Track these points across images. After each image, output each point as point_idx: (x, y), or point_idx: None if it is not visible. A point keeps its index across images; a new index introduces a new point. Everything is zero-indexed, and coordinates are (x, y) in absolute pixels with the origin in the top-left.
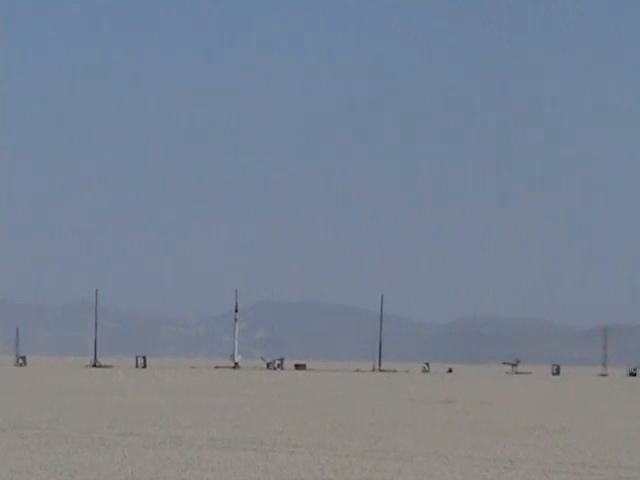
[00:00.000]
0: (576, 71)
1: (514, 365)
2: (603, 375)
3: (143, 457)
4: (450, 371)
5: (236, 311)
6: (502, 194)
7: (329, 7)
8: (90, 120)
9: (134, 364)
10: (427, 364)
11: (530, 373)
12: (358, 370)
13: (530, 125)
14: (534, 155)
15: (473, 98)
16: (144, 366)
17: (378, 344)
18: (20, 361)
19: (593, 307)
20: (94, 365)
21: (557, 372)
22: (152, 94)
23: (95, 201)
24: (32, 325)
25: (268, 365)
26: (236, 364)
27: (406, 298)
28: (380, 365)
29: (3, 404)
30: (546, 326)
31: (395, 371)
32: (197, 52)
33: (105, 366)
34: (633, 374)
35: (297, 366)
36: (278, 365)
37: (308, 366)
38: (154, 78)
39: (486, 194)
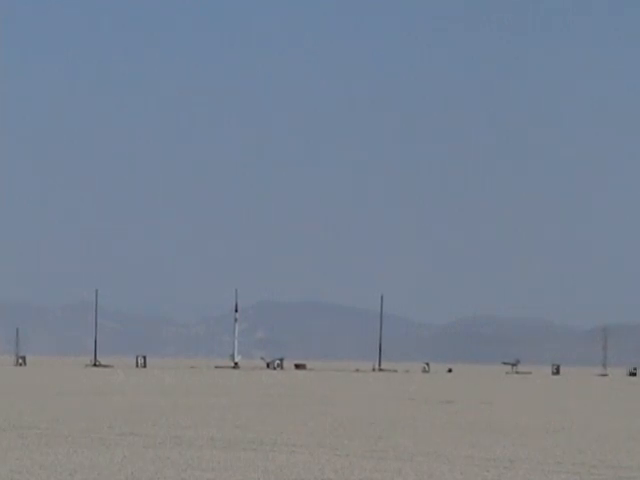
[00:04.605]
0: (576, 71)
1: (514, 365)
2: (603, 375)
3: (143, 457)
4: (450, 371)
5: (236, 311)
6: (502, 194)
7: (329, 7)
8: (90, 120)
9: (134, 364)
10: (427, 364)
11: (530, 373)
12: (358, 370)
13: (530, 125)
14: (534, 155)
15: (473, 98)
16: (144, 366)
17: (378, 344)
18: (20, 361)
19: (593, 307)
20: (94, 365)
21: (557, 372)
22: (152, 94)
23: (95, 201)
24: (32, 325)
25: (268, 365)
26: (236, 364)
27: (406, 298)
28: (380, 365)
29: (3, 404)
30: (546, 326)
31: (395, 371)
32: (197, 52)
33: (105, 366)
34: (633, 374)
35: (297, 366)
36: (278, 365)
37: (308, 366)
38: (154, 78)
39: (486, 194)
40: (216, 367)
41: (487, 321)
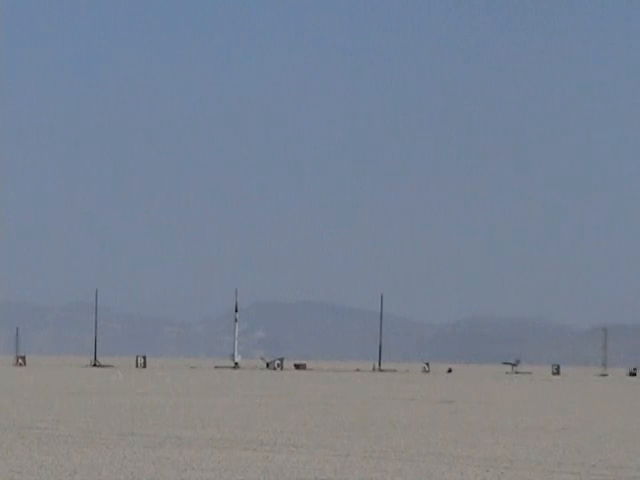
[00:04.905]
0: (576, 71)
1: (514, 365)
2: (603, 375)
3: (143, 457)
4: (450, 371)
5: (236, 311)
6: (502, 194)
7: (329, 7)
8: (89, 119)
9: (134, 364)
10: (427, 364)
11: (530, 373)
12: (358, 370)
13: (530, 125)
14: (534, 155)
15: (472, 98)
16: (144, 366)
17: (378, 344)
18: (20, 361)
19: (593, 307)
20: (94, 365)
21: (557, 372)
22: (152, 94)
23: (95, 201)
24: (32, 325)
25: (268, 365)
26: (236, 364)
27: (406, 298)
28: (380, 365)
29: (3, 404)
30: (546, 326)
31: (395, 371)
32: (197, 52)
33: (105, 366)
34: (633, 374)
35: (297, 366)
36: (278, 365)
37: (308, 366)
38: (153, 78)
39: (486, 194)
40: (216, 367)
41: (487, 321)
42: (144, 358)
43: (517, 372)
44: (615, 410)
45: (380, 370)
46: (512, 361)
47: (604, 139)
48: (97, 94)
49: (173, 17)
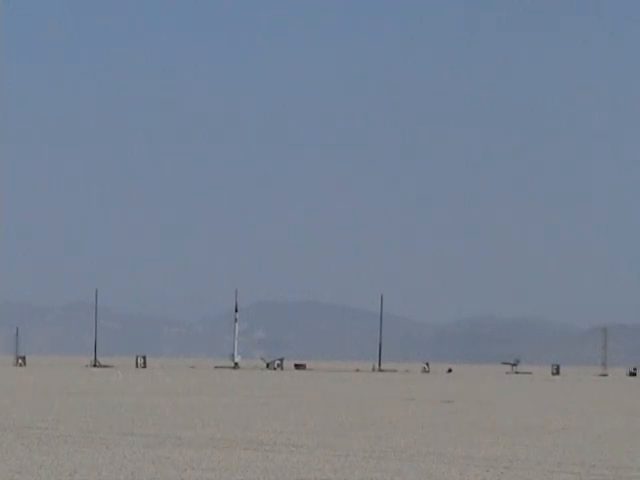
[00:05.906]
0: (574, 71)
1: (514, 365)
2: (603, 375)
3: (143, 457)
4: (450, 371)
5: (236, 311)
6: (502, 193)
7: (329, 8)
8: (90, 119)
9: (134, 364)
10: (427, 364)
11: (530, 373)
12: (358, 370)
13: (529, 125)
14: (534, 155)
15: (470, 98)
16: (144, 366)
17: (378, 344)
18: (20, 361)
19: (593, 307)
20: (94, 365)
21: (557, 372)
22: (152, 94)
23: (95, 200)
24: (32, 325)
25: (268, 365)
26: (236, 364)
27: (406, 298)
28: (380, 365)
29: (3, 404)
30: (546, 326)
31: (395, 371)
32: (197, 52)
33: (105, 366)
34: (633, 374)
35: (297, 366)
36: (278, 365)
37: (308, 366)
38: (154, 78)
39: (486, 194)
40: (216, 367)
41: (487, 321)
42: (144, 358)
43: (517, 372)
44: (615, 410)
45: (380, 370)
46: (512, 361)
47: (605, 139)
48: (97, 94)
49: (172, 17)
